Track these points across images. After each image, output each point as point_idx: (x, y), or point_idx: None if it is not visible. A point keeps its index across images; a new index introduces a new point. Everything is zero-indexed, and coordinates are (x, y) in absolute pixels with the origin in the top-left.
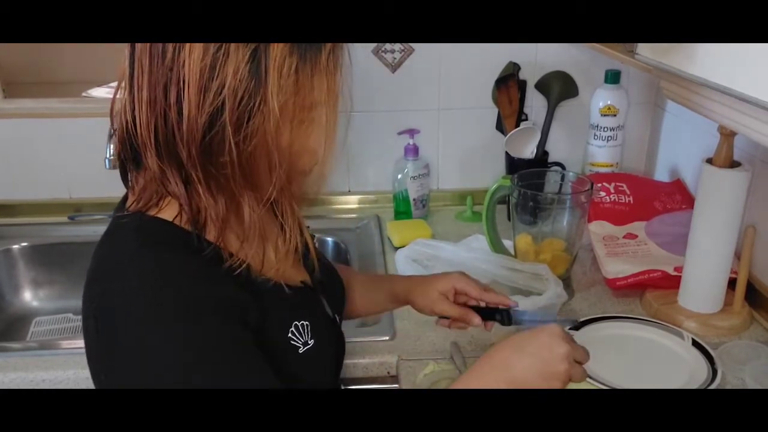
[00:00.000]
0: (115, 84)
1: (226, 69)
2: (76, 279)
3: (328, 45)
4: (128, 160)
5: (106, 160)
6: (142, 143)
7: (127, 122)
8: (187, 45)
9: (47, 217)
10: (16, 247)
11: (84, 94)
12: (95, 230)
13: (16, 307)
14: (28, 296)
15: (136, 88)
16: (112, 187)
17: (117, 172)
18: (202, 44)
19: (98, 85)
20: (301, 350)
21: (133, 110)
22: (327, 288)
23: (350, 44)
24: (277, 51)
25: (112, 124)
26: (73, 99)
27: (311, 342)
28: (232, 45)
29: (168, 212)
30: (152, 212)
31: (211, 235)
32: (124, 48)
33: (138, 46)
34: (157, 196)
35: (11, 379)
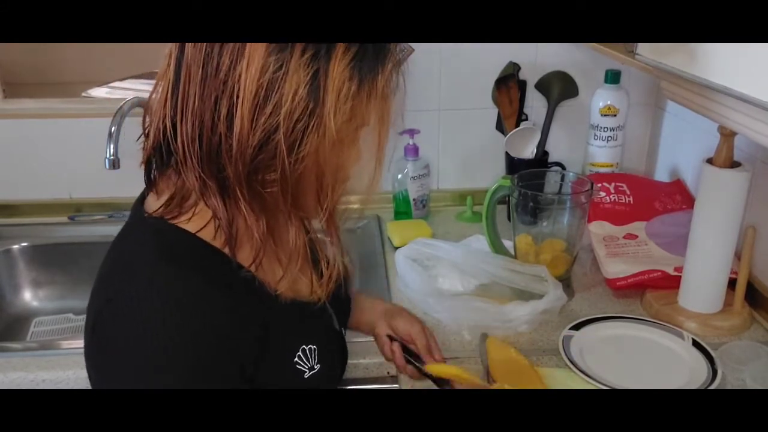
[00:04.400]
0: (115, 84)
1: (284, 88)
2: (76, 279)
3: (387, 69)
4: (158, 162)
5: (107, 160)
6: (183, 152)
7: (165, 126)
8: (245, 59)
9: (47, 217)
10: (16, 247)
11: (84, 94)
12: (95, 230)
13: (16, 307)
14: (28, 296)
15: (181, 95)
16: (112, 187)
17: (117, 173)
18: (260, 60)
19: (98, 85)
20: (306, 375)
21: (174, 116)
22: (336, 300)
23: (402, 67)
24: (336, 73)
25: (144, 122)
26: (73, 99)
27: (317, 367)
28: (292, 64)
29: (193, 223)
30: (176, 220)
31: (243, 254)
32: (165, 47)
33: (188, 50)
34: (186, 205)
35: (11, 379)
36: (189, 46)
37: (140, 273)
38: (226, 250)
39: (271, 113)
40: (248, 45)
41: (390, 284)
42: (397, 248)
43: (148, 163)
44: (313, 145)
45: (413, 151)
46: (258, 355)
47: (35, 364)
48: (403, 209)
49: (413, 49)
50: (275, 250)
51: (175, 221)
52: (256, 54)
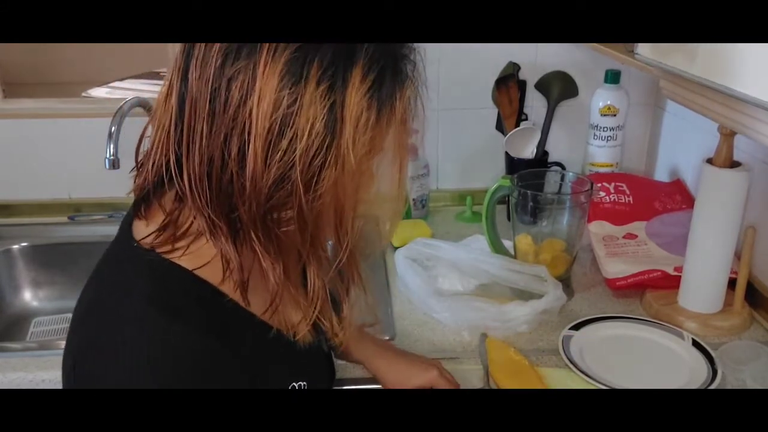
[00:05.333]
0: (115, 84)
1: (299, 123)
2: (76, 279)
3: (405, 95)
4: (153, 194)
5: (106, 160)
6: (190, 190)
7: (169, 161)
8: (256, 93)
9: (47, 217)
10: (16, 247)
11: (84, 94)
12: (95, 230)
13: (16, 307)
14: (28, 296)
15: (186, 131)
16: (112, 187)
17: (117, 172)
18: (272, 94)
19: (98, 85)
20: None
21: (179, 151)
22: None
23: (422, 92)
24: (354, 104)
25: (137, 154)
26: (73, 99)
27: None
28: (307, 97)
29: (191, 260)
30: (171, 255)
31: (255, 299)
32: (164, 47)
33: (192, 82)
34: (182, 239)
35: (11, 379)
36: (194, 79)
37: (130, 319)
38: (233, 295)
39: (286, 150)
40: (258, 78)
41: (390, 284)
42: (396, 248)
43: (141, 194)
44: (331, 179)
45: (413, 151)
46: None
47: (35, 364)
48: None
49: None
50: (293, 294)
51: (168, 255)
52: (267, 88)
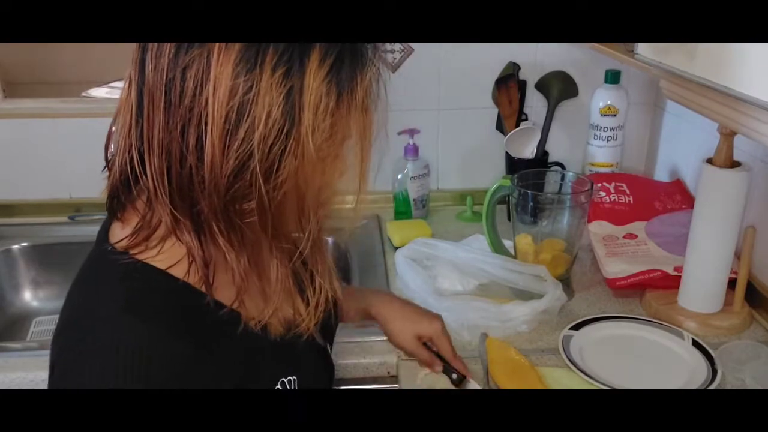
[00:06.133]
0: (115, 84)
1: (255, 111)
2: None
3: (366, 78)
4: (125, 194)
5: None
6: (153, 187)
7: (132, 157)
8: (211, 82)
9: (47, 217)
10: (16, 247)
11: (84, 94)
12: (95, 230)
13: (16, 307)
14: (28, 296)
15: (145, 124)
16: None
17: None
18: (228, 82)
19: (98, 85)
20: None
21: (141, 146)
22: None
23: (386, 77)
24: (312, 89)
25: (107, 153)
26: (73, 99)
27: None
28: (263, 84)
29: (163, 260)
30: (143, 255)
31: (223, 292)
32: (124, 78)
33: (149, 75)
34: (154, 238)
35: (11, 379)
36: (150, 71)
37: (103, 324)
38: (203, 288)
39: (243, 139)
40: (213, 66)
41: (390, 284)
42: (396, 248)
43: (112, 195)
44: (291, 168)
45: (413, 150)
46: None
47: (35, 364)
48: (402, 209)
49: (413, 49)
50: (258, 285)
51: (142, 256)
52: (222, 76)
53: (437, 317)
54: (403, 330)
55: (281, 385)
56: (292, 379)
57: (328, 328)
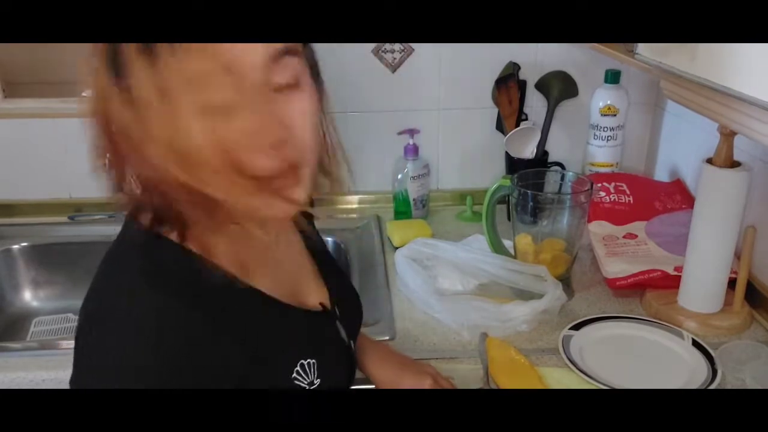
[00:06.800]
0: None
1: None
2: (76, 279)
3: None
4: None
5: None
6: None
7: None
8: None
9: (47, 217)
10: (16, 247)
11: (84, 94)
12: (95, 230)
13: (16, 307)
14: (28, 296)
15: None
16: None
17: None
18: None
19: None
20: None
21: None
22: (345, 310)
23: (349, 44)
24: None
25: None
26: (73, 99)
27: (317, 382)
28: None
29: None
30: (161, 228)
31: (232, 264)
32: None
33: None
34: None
35: (11, 379)
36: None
37: (123, 292)
38: (224, 265)
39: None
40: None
41: (390, 284)
42: (396, 248)
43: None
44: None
45: (413, 150)
46: (247, 374)
47: (35, 364)
48: (402, 209)
49: (413, 49)
50: (263, 256)
51: (160, 229)
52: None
53: (426, 372)
54: (394, 384)
55: (300, 367)
56: (312, 362)
57: (352, 323)
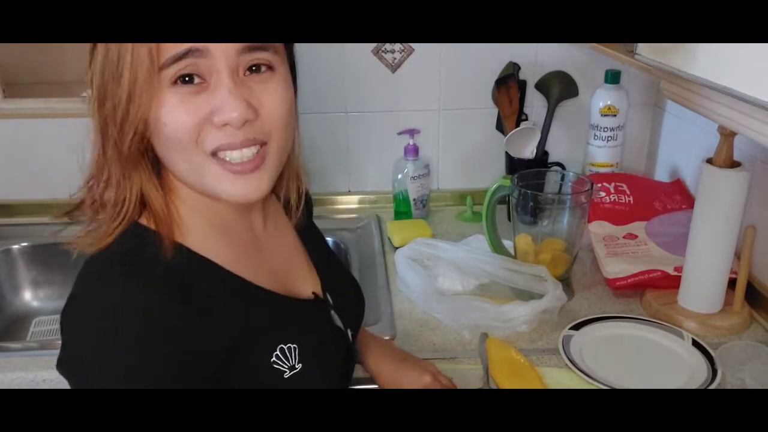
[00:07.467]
0: None
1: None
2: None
3: None
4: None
5: None
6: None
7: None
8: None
9: (47, 217)
10: (16, 247)
11: (84, 94)
12: None
13: (16, 307)
14: (28, 296)
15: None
16: None
17: None
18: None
19: None
20: (286, 375)
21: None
22: (340, 298)
23: (349, 44)
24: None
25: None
26: (73, 99)
27: (299, 366)
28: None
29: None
30: (141, 219)
31: (215, 251)
32: None
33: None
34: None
35: (11, 379)
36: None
37: (98, 282)
38: (199, 250)
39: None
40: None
41: (390, 284)
42: (397, 248)
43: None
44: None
45: (413, 150)
46: (222, 358)
47: (35, 364)
48: (403, 209)
49: (413, 49)
50: (248, 243)
51: (140, 220)
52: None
53: (426, 370)
54: (394, 382)
55: (280, 351)
56: (292, 347)
57: (349, 311)
